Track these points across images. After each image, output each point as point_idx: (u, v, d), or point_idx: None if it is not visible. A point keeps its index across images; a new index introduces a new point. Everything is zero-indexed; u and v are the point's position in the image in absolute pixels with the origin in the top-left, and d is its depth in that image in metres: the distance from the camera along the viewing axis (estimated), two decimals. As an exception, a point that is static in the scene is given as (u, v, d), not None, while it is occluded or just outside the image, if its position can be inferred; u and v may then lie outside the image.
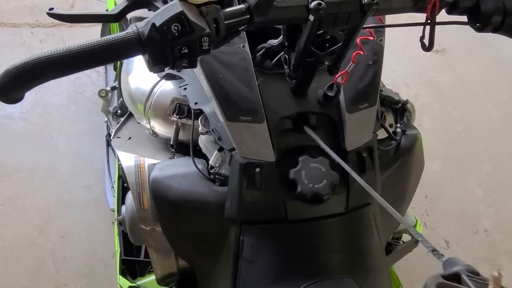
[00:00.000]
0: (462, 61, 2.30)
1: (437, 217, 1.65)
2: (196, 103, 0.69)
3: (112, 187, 1.36)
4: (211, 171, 0.67)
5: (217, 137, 0.64)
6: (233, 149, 0.63)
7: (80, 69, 0.43)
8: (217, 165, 0.67)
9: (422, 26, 0.57)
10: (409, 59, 2.23)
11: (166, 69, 0.46)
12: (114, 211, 1.19)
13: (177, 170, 0.70)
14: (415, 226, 1.03)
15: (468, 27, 0.60)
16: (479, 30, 0.59)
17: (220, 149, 0.66)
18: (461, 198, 1.72)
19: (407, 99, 0.82)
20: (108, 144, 1.50)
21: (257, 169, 0.61)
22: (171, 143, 0.78)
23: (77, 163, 1.64)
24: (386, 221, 0.78)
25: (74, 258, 1.43)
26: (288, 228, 0.64)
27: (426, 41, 0.57)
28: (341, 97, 0.66)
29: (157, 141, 0.87)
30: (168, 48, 0.42)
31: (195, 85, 0.69)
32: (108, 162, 1.49)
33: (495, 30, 0.58)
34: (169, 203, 0.68)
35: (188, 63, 0.45)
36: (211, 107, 0.66)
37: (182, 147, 0.80)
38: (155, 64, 0.44)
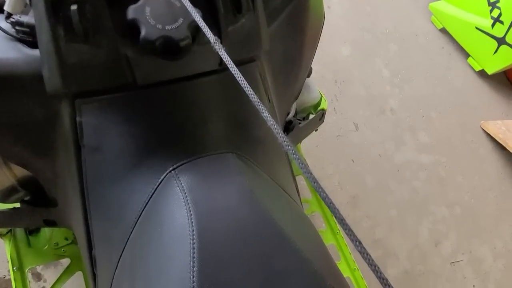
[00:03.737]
0: None
1: (346, 101, 1.60)
2: None
3: None
4: (9, 20, 0.44)
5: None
6: (29, -22, 0.40)
7: None
8: (16, 10, 0.44)
9: None
10: None
11: None
12: None
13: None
14: (319, 101, 0.92)
15: None
16: None
17: (15, -16, 0.42)
18: (369, 80, 1.68)
19: None
20: None
21: (74, 7, 0.40)
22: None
23: None
24: (282, 85, 0.63)
25: None
26: (139, 97, 0.46)
27: None
28: None
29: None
30: None
31: None
32: None
33: None
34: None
35: None
36: None
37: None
38: None
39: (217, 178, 0.46)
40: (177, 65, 0.45)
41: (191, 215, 0.41)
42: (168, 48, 0.42)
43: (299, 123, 0.84)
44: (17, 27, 0.43)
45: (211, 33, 0.35)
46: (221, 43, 0.46)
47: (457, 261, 1.44)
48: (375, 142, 1.55)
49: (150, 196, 0.46)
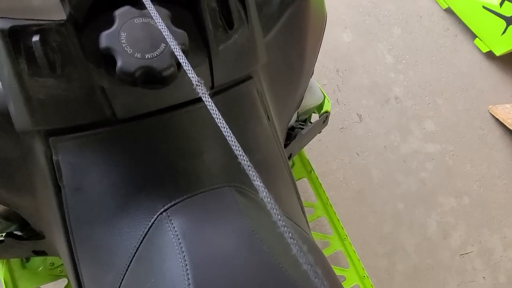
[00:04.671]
0: None
1: (349, 91, 1.54)
2: None
3: None
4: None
5: None
6: (-19, 5, 0.34)
7: None
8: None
9: None
10: None
11: None
12: None
13: None
14: (323, 102, 0.86)
15: None
16: None
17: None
18: (372, 67, 1.61)
19: None
20: None
21: (35, 37, 0.34)
22: None
23: None
24: (282, 96, 0.57)
25: None
26: (121, 132, 0.40)
27: None
28: None
29: None
30: None
31: None
32: None
33: None
34: None
35: None
36: None
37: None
38: None
39: (214, 218, 0.41)
40: (161, 94, 0.40)
41: (186, 265, 0.36)
42: (150, 78, 0.36)
43: (302, 128, 0.78)
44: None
45: (194, 73, 0.29)
46: (210, 64, 0.41)
47: (467, 253, 1.40)
48: (380, 133, 1.49)
49: (140, 241, 0.41)
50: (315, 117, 0.90)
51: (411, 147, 1.51)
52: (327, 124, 0.86)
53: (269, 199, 0.24)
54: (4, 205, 0.52)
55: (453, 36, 1.80)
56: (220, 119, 0.28)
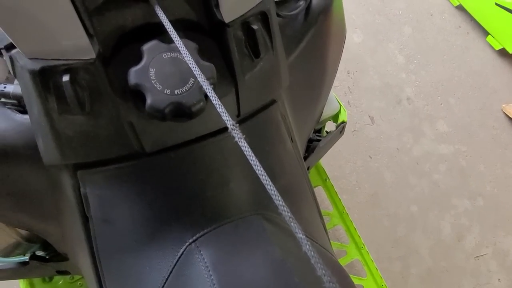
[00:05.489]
0: None
1: (360, 93, 1.52)
2: None
3: None
4: (-7, 91, 0.38)
5: (-27, 27, 0.34)
6: (11, 46, 0.34)
7: None
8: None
9: None
10: None
11: None
12: None
13: None
14: (339, 111, 0.85)
15: None
16: None
17: (-5, 49, 0.36)
18: (383, 68, 1.59)
19: None
20: None
21: (66, 77, 0.34)
22: None
23: None
24: (303, 113, 0.57)
25: None
26: (148, 164, 0.40)
27: None
28: None
29: None
30: None
31: None
32: None
33: None
34: None
35: None
36: None
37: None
38: None
39: (244, 248, 0.41)
40: (188, 126, 0.39)
41: None
42: (179, 113, 0.36)
43: (319, 140, 0.78)
44: (2, 99, 0.37)
45: (228, 116, 0.29)
46: (237, 93, 0.41)
47: (481, 255, 1.40)
48: (392, 135, 1.48)
49: (170, 272, 0.41)
50: (329, 125, 0.89)
51: (424, 148, 1.49)
52: (343, 134, 0.85)
53: (297, 230, 0.25)
54: (29, 231, 0.52)
55: (465, 34, 1.77)
56: (249, 152, 0.28)
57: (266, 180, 0.28)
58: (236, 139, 0.29)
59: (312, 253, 0.24)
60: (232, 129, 0.29)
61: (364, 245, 0.90)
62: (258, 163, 0.29)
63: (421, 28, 1.73)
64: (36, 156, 0.39)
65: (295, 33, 0.49)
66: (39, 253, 0.62)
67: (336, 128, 0.80)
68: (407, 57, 1.64)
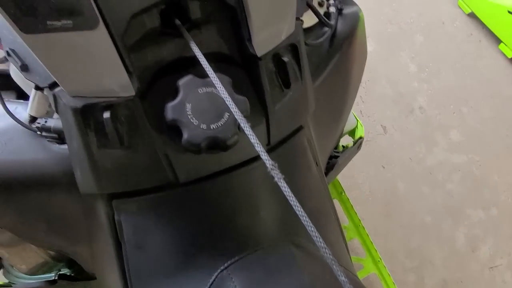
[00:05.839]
0: None
1: (372, 102, 1.52)
2: None
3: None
4: (35, 125, 0.39)
5: (19, 66, 0.35)
6: (54, 84, 0.35)
7: None
8: (40, 113, 0.39)
9: None
10: None
11: None
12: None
13: (-16, 128, 0.41)
14: (356, 127, 0.86)
15: None
16: None
17: (38, 87, 0.37)
18: (395, 76, 1.59)
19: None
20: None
21: (106, 114, 0.35)
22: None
23: None
24: (325, 133, 0.58)
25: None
26: (182, 194, 0.41)
27: None
28: (237, -38, 0.38)
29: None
30: None
31: None
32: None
33: None
34: (-19, 186, 0.41)
35: None
36: None
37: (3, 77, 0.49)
38: None
39: (274, 276, 0.41)
40: (221, 157, 0.40)
41: None
42: (214, 147, 0.37)
43: (337, 156, 0.78)
44: (44, 133, 0.39)
45: (267, 155, 0.30)
46: (267, 124, 0.41)
47: (496, 266, 1.39)
48: (405, 144, 1.48)
49: None
50: (344, 138, 0.90)
51: (437, 158, 1.49)
52: (360, 149, 0.86)
53: (329, 257, 0.26)
54: (59, 252, 0.53)
55: (477, 42, 1.77)
56: (288, 192, 0.29)
57: (301, 212, 0.29)
58: (276, 179, 0.30)
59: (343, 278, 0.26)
60: (271, 169, 0.30)
61: (381, 259, 0.90)
62: (293, 197, 0.29)
63: (433, 36, 1.72)
64: (72, 184, 0.40)
65: (321, 59, 0.50)
66: (65, 270, 0.64)
67: (354, 144, 0.81)
68: (419, 66, 1.64)
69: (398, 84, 1.58)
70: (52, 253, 0.56)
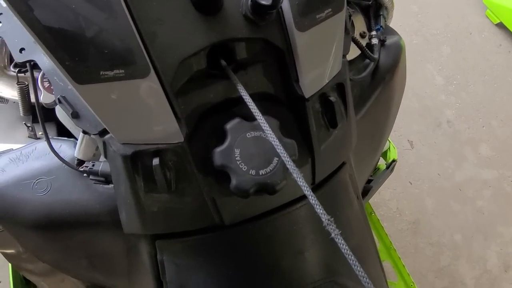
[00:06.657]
0: None
1: (399, 116, 1.48)
2: (22, 50, 0.37)
3: None
4: (82, 168, 0.39)
5: (70, 113, 0.35)
6: (104, 132, 0.35)
7: None
8: (87, 156, 0.39)
9: None
10: None
11: None
12: None
13: (31, 166, 0.42)
14: (388, 149, 0.84)
15: None
16: None
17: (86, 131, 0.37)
18: (422, 90, 1.56)
19: (379, -12, 0.54)
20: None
21: (156, 161, 0.34)
22: (21, 113, 0.47)
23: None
24: (364, 162, 0.56)
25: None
26: (227, 236, 0.40)
27: None
28: (285, 4, 0.37)
29: (8, 108, 0.55)
30: None
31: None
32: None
33: None
34: (27, 226, 0.41)
35: None
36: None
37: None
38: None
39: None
40: (266, 199, 0.39)
41: None
42: (262, 191, 0.36)
43: (370, 180, 0.76)
44: (91, 177, 0.39)
45: (323, 210, 0.29)
46: (313, 164, 0.40)
47: (531, 287, 1.33)
48: (433, 160, 1.44)
49: None
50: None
51: (467, 174, 1.45)
52: (392, 172, 0.84)
53: None
54: (96, 285, 0.53)
55: (507, 53, 1.72)
56: (341, 241, 0.28)
57: (350, 256, 0.29)
58: (333, 235, 0.29)
59: None
60: (327, 223, 0.29)
61: (413, 283, 0.88)
62: (352, 255, 0.29)
63: (460, 47, 1.69)
64: (116, 223, 0.40)
65: (363, 92, 0.49)
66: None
67: (387, 168, 0.79)
68: (446, 78, 1.60)
69: (424, 98, 1.55)
70: (90, 285, 0.56)
